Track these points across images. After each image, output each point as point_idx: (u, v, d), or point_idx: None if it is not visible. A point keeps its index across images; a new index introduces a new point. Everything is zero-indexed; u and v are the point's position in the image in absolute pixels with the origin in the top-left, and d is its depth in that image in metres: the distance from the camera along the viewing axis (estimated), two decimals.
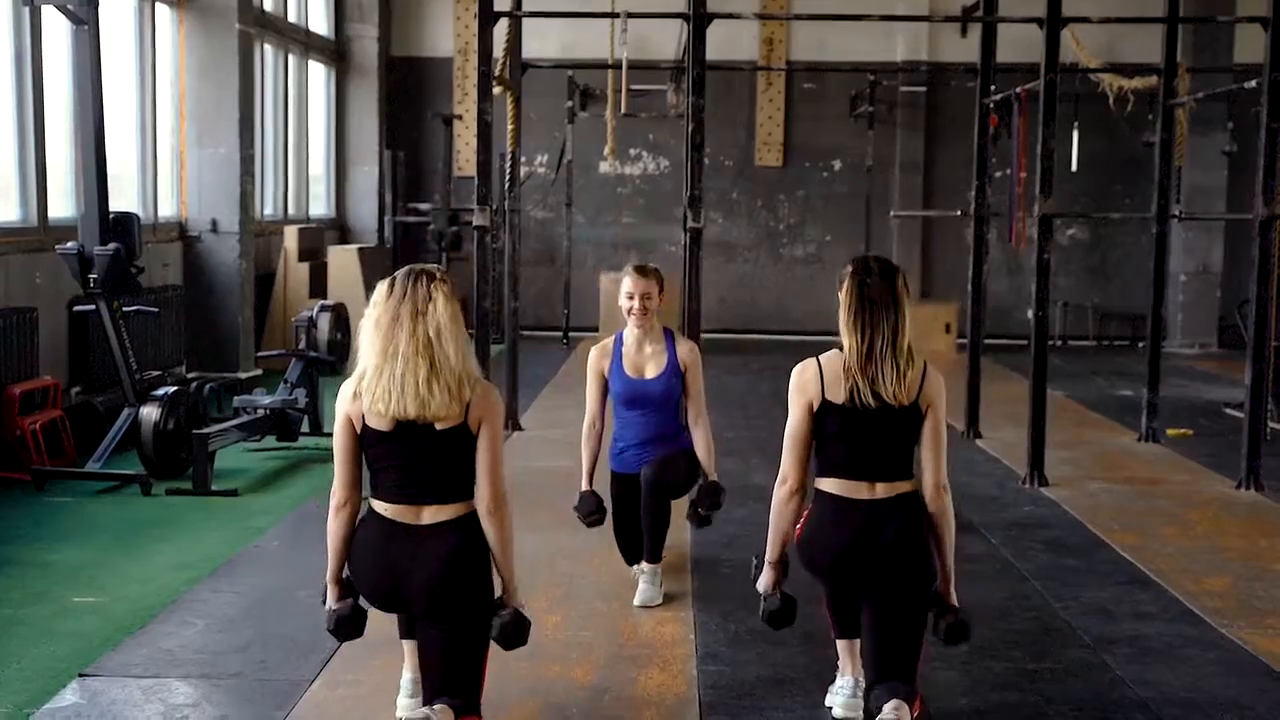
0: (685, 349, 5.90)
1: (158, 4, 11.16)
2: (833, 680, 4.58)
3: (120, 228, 8.37)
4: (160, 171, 11.36)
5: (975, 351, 9.85)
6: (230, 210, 11.54)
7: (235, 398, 9.12)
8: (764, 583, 4.39)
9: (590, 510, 5.90)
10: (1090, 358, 15.20)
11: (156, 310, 9.46)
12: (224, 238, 11.55)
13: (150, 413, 8.05)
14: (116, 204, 8.63)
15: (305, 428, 9.24)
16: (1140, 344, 13.11)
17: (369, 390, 3.91)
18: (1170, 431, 9.88)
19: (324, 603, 4.18)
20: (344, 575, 4.14)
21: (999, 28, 9.77)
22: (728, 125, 16.29)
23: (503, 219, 10.93)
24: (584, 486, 5.91)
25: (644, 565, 5.77)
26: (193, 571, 6.11)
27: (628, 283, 5.83)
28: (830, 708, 4.53)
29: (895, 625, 4.17)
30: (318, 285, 13.19)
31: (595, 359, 5.92)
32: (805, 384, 4.19)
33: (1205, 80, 13.54)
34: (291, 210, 14.53)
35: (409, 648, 4.35)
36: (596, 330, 15.09)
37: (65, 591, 5.83)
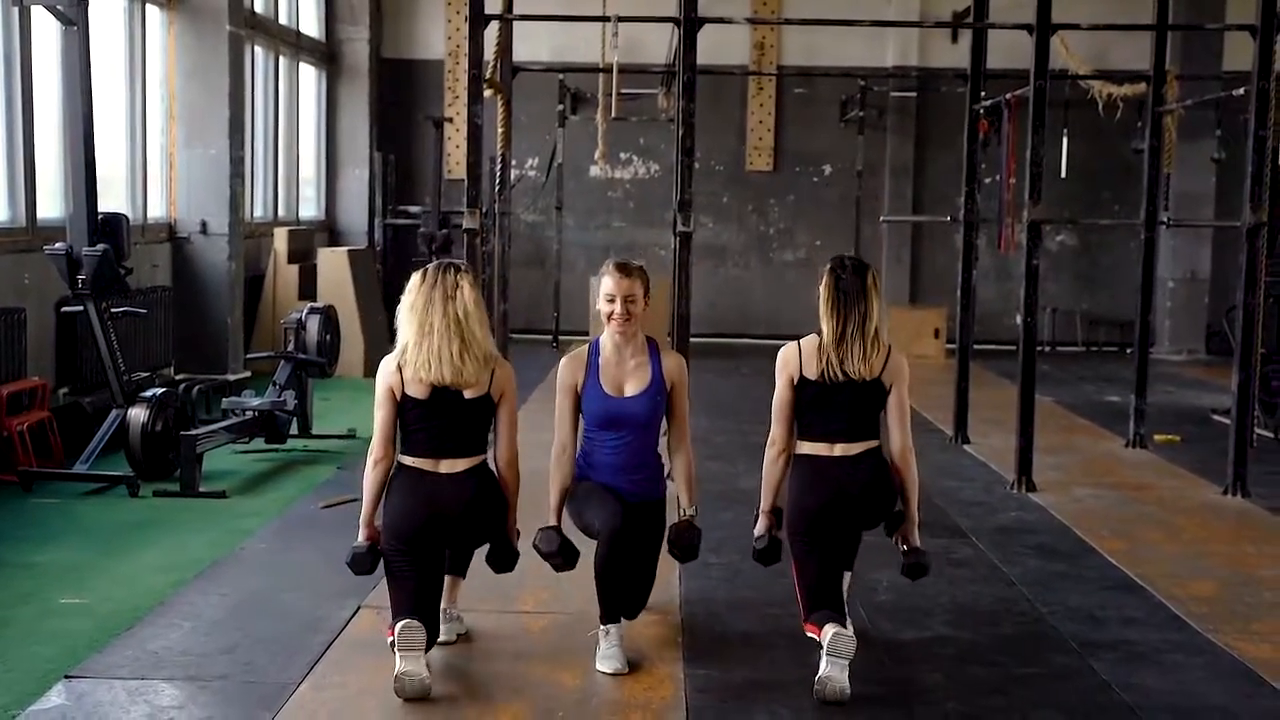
0: (672, 363, 5.13)
1: (148, 5, 11.15)
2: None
3: (109, 228, 8.36)
4: (150, 172, 11.34)
5: (964, 356, 9.87)
6: (220, 211, 11.53)
7: (224, 399, 9.11)
8: (759, 528, 5.18)
9: (554, 551, 5.00)
10: (1078, 363, 15.24)
11: (145, 311, 9.44)
12: (213, 239, 11.54)
13: (138, 414, 8.04)
14: (105, 205, 8.62)
15: (294, 430, 9.23)
16: (1128, 350, 13.14)
17: (410, 362, 4.72)
18: (1158, 437, 9.91)
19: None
20: (375, 520, 4.90)
21: (989, 34, 9.79)
22: (718, 129, 16.31)
23: (493, 222, 10.93)
24: (551, 521, 5.10)
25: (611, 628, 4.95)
26: (180, 573, 6.10)
27: (608, 283, 5.00)
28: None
29: (856, 541, 5.17)
30: (307, 287, 13.16)
31: (567, 371, 5.07)
32: (787, 361, 5.04)
33: (1194, 87, 13.60)
34: (281, 212, 14.51)
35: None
36: (586, 334, 15.09)
37: (52, 593, 5.82)
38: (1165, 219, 10.96)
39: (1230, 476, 8.10)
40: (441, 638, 4.98)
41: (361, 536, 4.91)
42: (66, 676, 4.71)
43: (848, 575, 5.26)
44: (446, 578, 5.07)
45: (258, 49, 13.42)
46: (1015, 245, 10.43)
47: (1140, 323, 9.67)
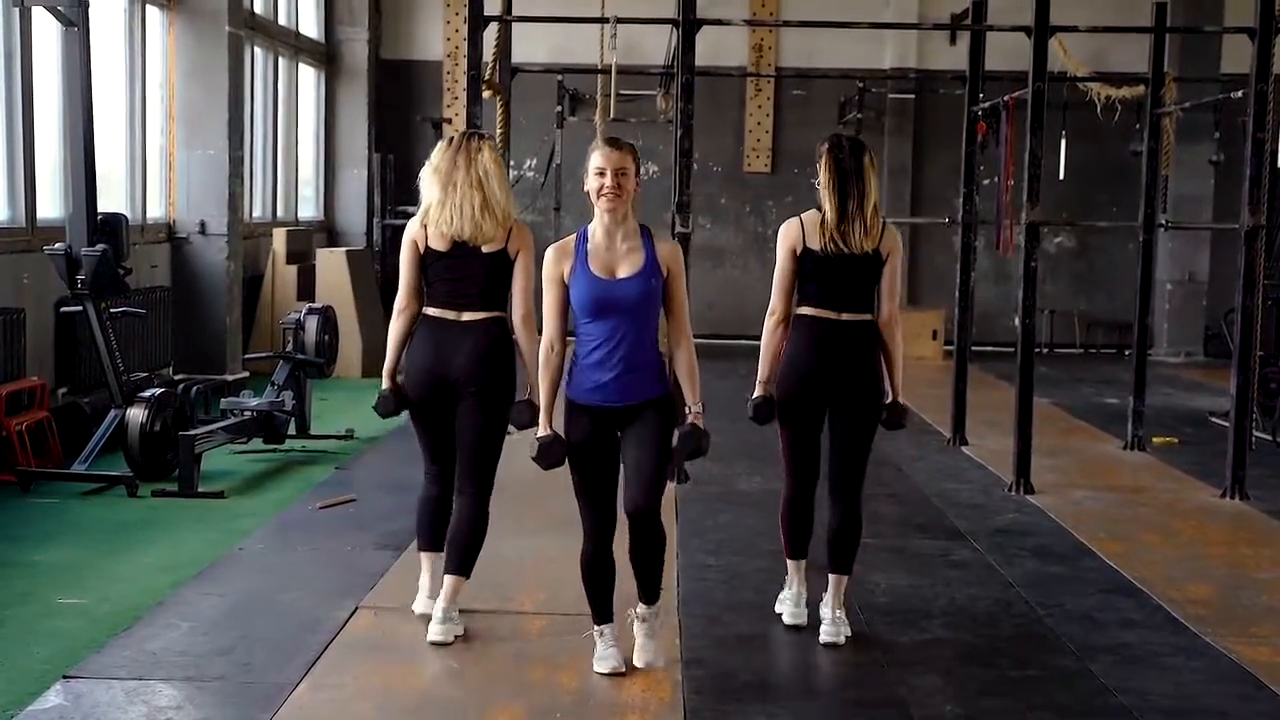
0: (667, 248, 4.79)
1: (148, 6, 11.15)
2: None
3: (108, 229, 8.36)
4: (149, 173, 11.34)
5: (962, 358, 9.87)
6: (219, 212, 11.53)
7: (222, 399, 9.11)
8: (756, 393, 5.33)
9: (559, 461, 4.79)
10: (1076, 366, 15.24)
11: (144, 311, 9.44)
12: (212, 239, 11.54)
13: (137, 414, 8.04)
14: (105, 205, 8.62)
15: (292, 430, 9.23)
16: (1126, 352, 13.14)
17: (434, 219, 5.04)
18: (1156, 440, 9.91)
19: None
20: (397, 372, 5.17)
21: (987, 36, 9.80)
22: (716, 131, 16.31)
23: None
24: (543, 430, 4.78)
25: (638, 608, 4.86)
26: (178, 573, 6.10)
27: (597, 157, 4.67)
28: (780, 614, 5.45)
29: (851, 447, 5.21)
30: (306, 287, 13.16)
31: (553, 260, 4.73)
32: (790, 235, 5.24)
33: (1192, 90, 13.61)
34: (280, 212, 14.51)
35: (426, 561, 5.38)
36: None
37: (50, 592, 5.82)
38: (1163, 221, 10.96)
39: (1228, 479, 8.10)
40: (439, 638, 5.06)
41: (385, 383, 5.21)
42: (64, 676, 4.71)
43: (844, 579, 5.34)
44: (447, 578, 5.13)
45: (257, 50, 13.42)
46: (1013, 247, 10.43)
47: (1138, 325, 9.68)
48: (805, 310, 5.20)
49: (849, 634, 5.25)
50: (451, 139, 5.15)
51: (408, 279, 5.15)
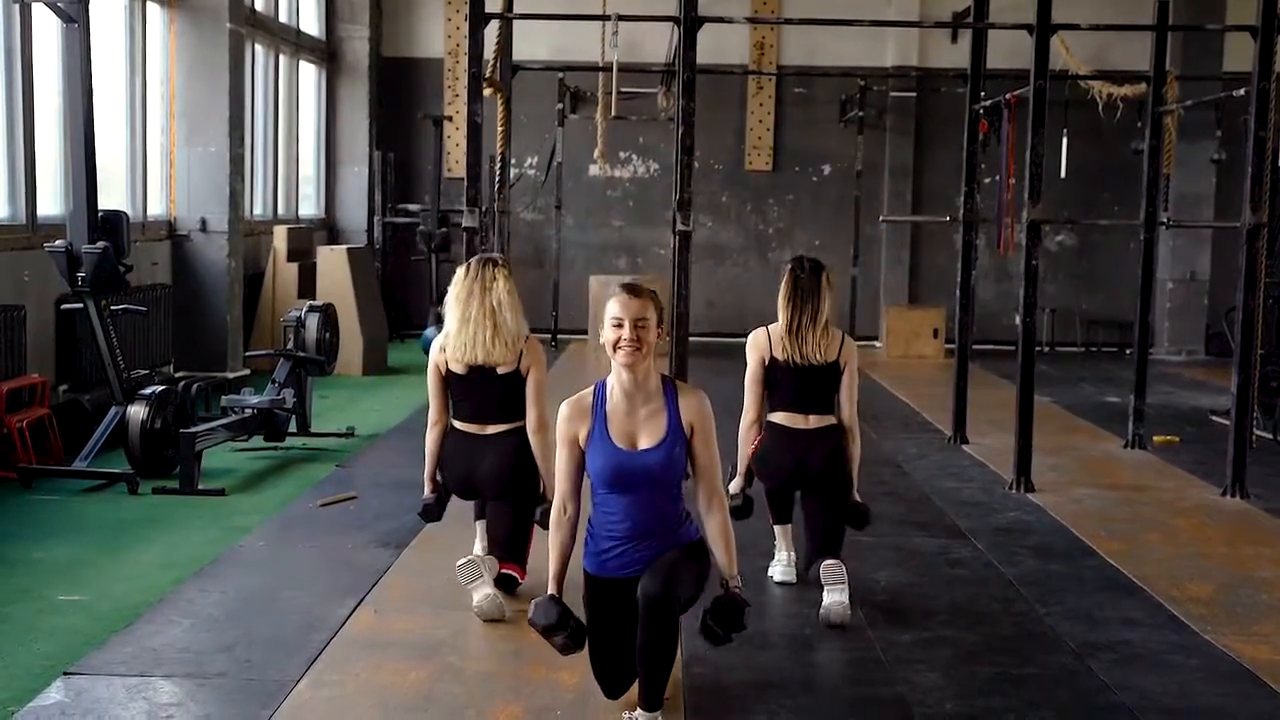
0: (691, 402, 4.38)
1: (148, 2, 11.15)
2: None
3: (109, 226, 8.35)
4: (150, 170, 11.34)
5: (963, 357, 9.86)
6: (219, 209, 11.53)
7: (223, 397, 9.11)
8: (734, 486, 5.85)
9: (555, 624, 4.35)
10: (1077, 364, 15.24)
11: (144, 309, 9.44)
12: (213, 237, 11.54)
13: (137, 411, 8.04)
14: (105, 202, 8.61)
15: (293, 428, 9.23)
16: (1127, 351, 13.15)
17: (451, 345, 5.52)
18: (1156, 438, 9.91)
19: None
20: (436, 476, 5.70)
21: (989, 34, 9.79)
22: (718, 129, 16.30)
23: (492, 221, 10.93)
24: (550, 590, 4.43)
25: (638, 715, 4.27)
26: (178, 570, 6.10)
27: (615, 306, 4.30)
28: (771, 576, 6.03)
29: (826, 518, 5.78)
30: (306, 285, 13.17)
31: (568, 420, 4.37)
32: (758, 345, 5.83)
33: (1194, 88, 13.60)
34: (281, 210, 14.51)
35: (480, 528, 5.88)
36: (585, 334, 15.09)
37: (51, 589, 5.82)
38: (1165, 220, 10.96)
39: (1229, 478, 8.10)
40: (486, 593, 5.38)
41: (427, 491, 5.73)
42: (65, 673, 4.71)
43: (836, 564, 5.66)
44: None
45: (258, 47, 13.42)
46: (1014, 246, 10.44)
47: (1139, 323, 9.67)
48: (776, 418, 5.84)
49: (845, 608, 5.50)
50: (469, 266, 5.63)
51: (436, 398, 5.67)
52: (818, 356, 5.72)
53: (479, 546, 5.89)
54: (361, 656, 4.97)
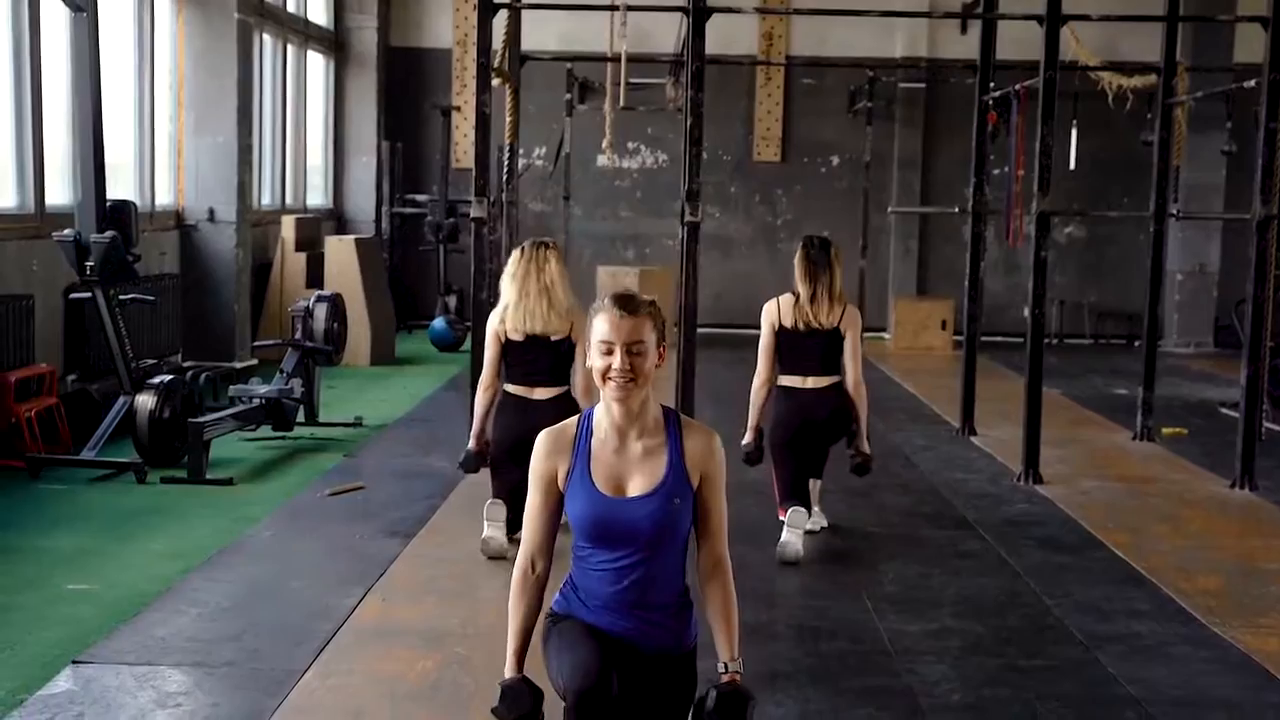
0: (701, 445, 3.44)
1: None
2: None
3: (117, 216, 8.36)
4: (158, 160, 11.34)
5: (971, 348, 9.85)
6: (228, 199, 11.53)
7: (231, 387, 9.11)
8: (747, 439, 6.63)
9: (529, 714, 3.38)
10: (1086, 356, 15.21)
11: (153, 299, 9.44)
12: (221, 227, 11.54)
13: (146, 401, 8.05)
14: (114, 192, 8.62)
15: (301, 417, 9.24)
16: (1136, 343, 13.11)
17: (510, 317, 6.25)
18: (1165, 430, 9.89)
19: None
20: (484, 434, 6.37)
21: (998, 25, 9.76)
22: (726, 120, 16.28)
23: (500, 211, 10.92)
24: (509, 672, 3.45)
25: None
26: (186, 560, 6.11)
27: (603, 325, 3.36)
28: (783, 551, 6.25)
29: (820, 456, 6.68)
30: (314, 275, 13.17)
31: (544, 456, 3.45)
32: (770, 314, 6.56)
33: (1204, 79, 13.54)
34: (289, 200, 14.52)
35: (493, 509, 6.20)
36: None
37: (59, 579, 5.83)
38: (1174, 211, 10.92)
39: (1238, 470, 8.08)
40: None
41: (471, 445, 6.42)
42: (74, 662, 4.73)
43: (816, 483, 6.74)
44: None
45: (266, 37, 13.41)
46: (1023, 237, 10.41)
47: (1148, 315, 9.65)
48: (785, 380, 6.54)
49: (824, 524, 6.77)
50: (523, 249, 6.33)
51: (490, 363, 6.36)
52: (823, 322, 6.41)
53: (489, 529, 6.13)
54: (369, 646, 4.97)
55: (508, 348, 6.29)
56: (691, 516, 3.44)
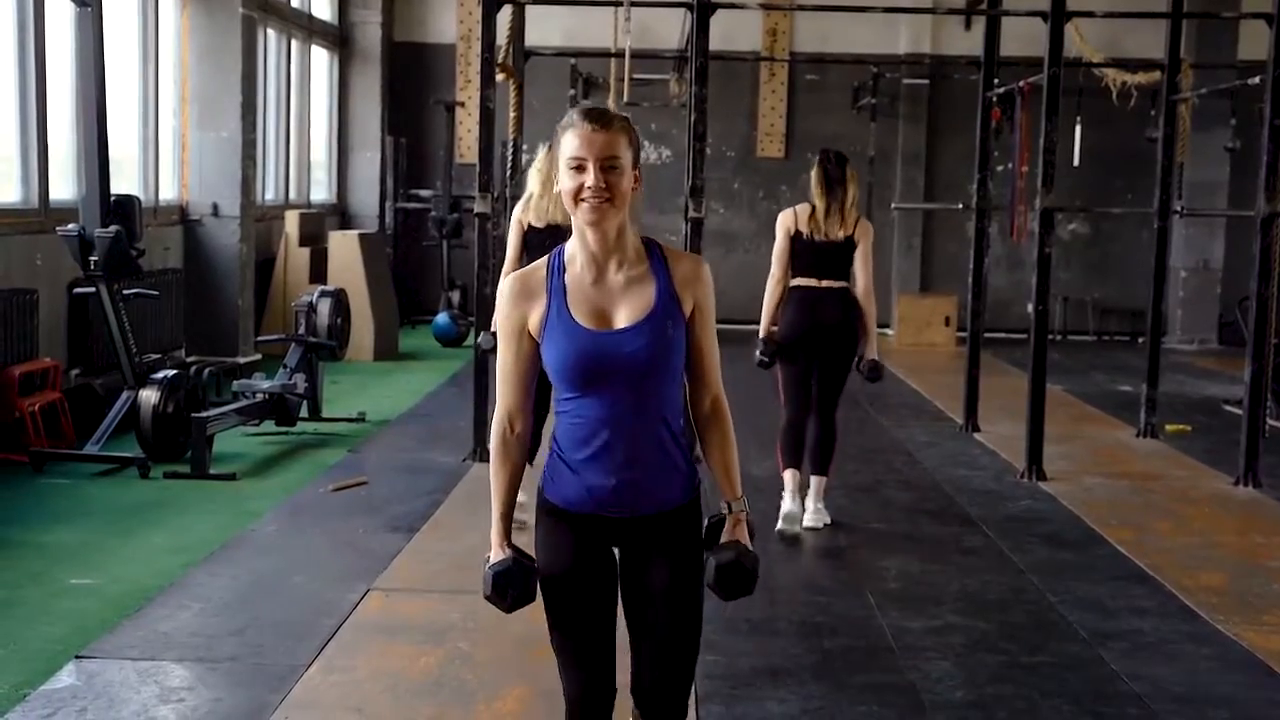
0: (689, 269, 3.06)
1: None
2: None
3: (121, 210, 8.36)
4: (162, 154, 11.34)
5: (975, 345, 9.85)
6: (231, 194, 11.53)
7: (234, 382, 9.12)
8: (762, 334, 6.80)
9: (519, 592, 3.15)
10: (1090, 353, 15.20)
11: (157, 293, 9.45)
12: (225, 222, 11.54)
13: (149, 396, 8.05)
14: (118, 186, 8.62)
15: (304, 412, 9.24)
16: (1140, 339, 13.11)
17: (534, 206, 6.64)
18: (1169, 427, 9.88)
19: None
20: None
21: (1003, 21, 9.75)
22: (730, 116, 16.27)
23: (504, 206, 10.92)
24: (495, 550, 3.14)
25: None
26: (189, 555, 6.11)
27: (573, 141, 3.00)
28: (779, 531, 6.60)
29: (830, 380, 6.79)
30: (318, 270, 13.17)
31: (512, 301, 3.07)
32: (785, 221, 6.78)
33: (1208, 76, 13.52)
34: (293, 195, 14.51)
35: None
36: None
37: (62, 573, 5.84)
38: (1178, 208, 10.91)
39: (1242, 467, 8.08)
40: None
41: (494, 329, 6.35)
42: (77, 656, 4.73)
43: (820, 480, 6.85)
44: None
45: (270, 32, 13.41)
46: (1027, 233, 10.39)
47: (1152, 312, 9.64)
48: (797, 281, 6.73)
49: (827, 521, 6.83)
50: (550, 145, 6.55)
51: (514, 249, 6.68)
52: (837, 233, 6.65)
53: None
54: (372, 641, 4.98)
55: (529, 235, 6.63)
56: (681, 348, 3.05)
